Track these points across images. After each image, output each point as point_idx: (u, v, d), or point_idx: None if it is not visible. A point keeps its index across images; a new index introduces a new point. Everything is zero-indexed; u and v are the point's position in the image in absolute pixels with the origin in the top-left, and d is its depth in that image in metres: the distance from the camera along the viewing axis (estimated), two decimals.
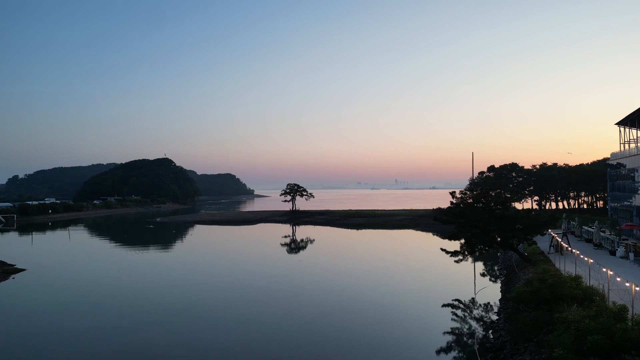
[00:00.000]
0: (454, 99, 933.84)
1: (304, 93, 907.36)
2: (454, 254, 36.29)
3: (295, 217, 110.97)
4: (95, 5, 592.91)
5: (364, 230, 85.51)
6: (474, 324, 26.97)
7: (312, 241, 66.87)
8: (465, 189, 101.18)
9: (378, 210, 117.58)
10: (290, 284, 37.13)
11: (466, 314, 29.36)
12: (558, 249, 35.72)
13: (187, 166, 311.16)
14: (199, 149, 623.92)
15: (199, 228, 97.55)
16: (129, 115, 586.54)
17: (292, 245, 60.66)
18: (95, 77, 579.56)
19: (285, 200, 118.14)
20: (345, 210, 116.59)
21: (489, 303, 30.86)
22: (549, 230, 36.83)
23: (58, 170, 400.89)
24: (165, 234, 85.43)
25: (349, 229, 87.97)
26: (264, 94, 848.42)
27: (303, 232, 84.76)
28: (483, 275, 42.65)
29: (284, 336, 24.47)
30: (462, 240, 47.75)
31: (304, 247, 58.87)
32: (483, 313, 29.22)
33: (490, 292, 34.09)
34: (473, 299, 32.90)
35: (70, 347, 23.11)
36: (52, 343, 23.75)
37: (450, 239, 36.40)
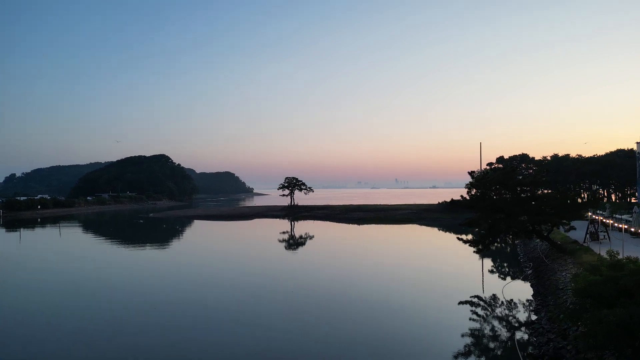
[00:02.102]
0: (454, 98, 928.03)
1: (303, 91, 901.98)
2: (473, 243, 31.29)
3: (294, 212, 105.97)
4: (92, 4, 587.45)
5: (366, 226, 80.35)
6: (498, 324, 22.02)
7: (311, 237, 61.53)
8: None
9: (380, 205, 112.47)
10: (289, 283, 31.96)
11: (488, 313, 24.37)
12: (595, 236, 30.58)
13: (186, 165, 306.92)
14: (198, 148, 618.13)
15: (190, 223, 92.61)
16: (128, 114, 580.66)
17: (291, 242, 55.36)
18: (94, 75, 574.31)
19: (283, 195, 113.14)
20: (346, 205, 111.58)
21: (513, 300, 25.86)
22: (590, 214, 31.59)
23: (55, 168, 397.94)
24: (153, 229, 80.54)
25: (350, 224, 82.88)
26: (264, 92, 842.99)
27: (302, 227, 79.76)
28: (501, 269, 37.64)
29: (286, 339, 20.02)
30: (470, 236, 42.77)
31: (302, 244, 53.62)
32: (509, 311, 24.24)
33: (517, 287, 29.10)
34: (494, 295, 27.89)
35: None
36: None
37: (469, 225, 31.44)
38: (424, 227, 76.96)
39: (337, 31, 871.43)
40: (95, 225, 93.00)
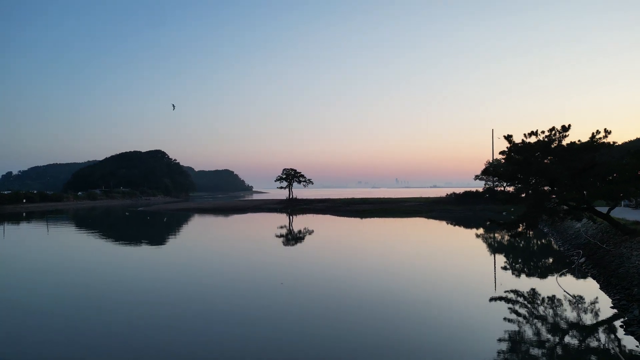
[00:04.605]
0: (454, 98, 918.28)
1: (304, 91, 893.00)
2: (509, 226, 25.00)
3: (292, 205, 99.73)
4: (91, 4, 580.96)
5: (370, 219, 73.63)
6: (545, 324, 16.02)
7: (311, 231, 54.32)
8: (482, 173, 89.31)
9: (385, 198, 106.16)
10: (288, 282, 24.67)
11: (531, 311, 18.07)
12: None
13: (185, 163, 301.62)
14: (197, 147, 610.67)
15: (179, 216, 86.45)
16: (126, 112, 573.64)
17: (289, 236, 48.24)
18: (92, 73, 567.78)
19: (281, 187, 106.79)
20: (347, 198, 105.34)
21: (559, 295, 19.70)
22: None
23: (52, 166, 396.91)
24: (137, 222, 74.43)
25: (353, 217, 76.38)
26: (264, 91, 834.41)
27: (301, 220, 73.31)
28: (532, 261, 31.18)
29: (288, 341, 14.85)
30: (480, 230, 36.23)
31: (301, 238, 46.22)
32: (558, 309, 17.92)
33: (566, 280, 22.84)
34: (534, 290, 21.70)
35: None
36: None
37: (506, 202, 25.11)
38: (432, 221, 70.11)
39: (339, 29, 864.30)
40: (81, 220, 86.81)
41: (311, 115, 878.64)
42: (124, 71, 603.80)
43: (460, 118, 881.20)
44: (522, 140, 25.06)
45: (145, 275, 26.53)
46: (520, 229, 24.05)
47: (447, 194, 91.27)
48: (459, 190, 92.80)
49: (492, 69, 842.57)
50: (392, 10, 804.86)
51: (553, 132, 24.57)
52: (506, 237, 43.23)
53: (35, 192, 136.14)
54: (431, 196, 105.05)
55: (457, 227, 57.54)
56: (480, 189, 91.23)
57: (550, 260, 30.67)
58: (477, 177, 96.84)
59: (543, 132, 25.20)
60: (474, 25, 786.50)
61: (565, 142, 24.74)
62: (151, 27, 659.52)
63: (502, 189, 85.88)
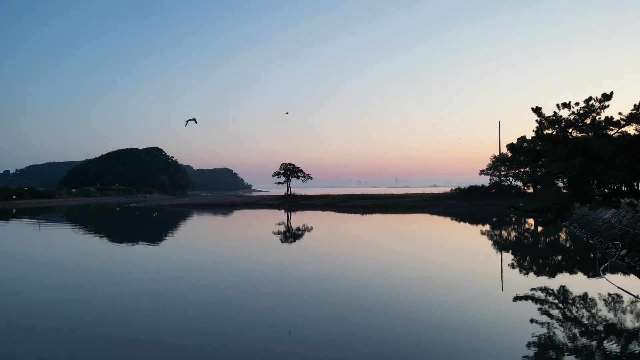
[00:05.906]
0: (454, 97, 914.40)
1: (302, 91, 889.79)
2: (540, 212, 21.51)
3: (290, 201, 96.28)
4: (92, 3, 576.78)
5: (371, 215, 69.78)
6: (578, 327, 13.02)
7: (310, 229, 50.06)
8: (488, 167, 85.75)
9: (386, 194, 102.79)
10: (288, 283, 20.59)
11: (566, 312, 14.82)
12: None
13: (183, 161, 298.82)
14: (196, 145, 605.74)
15: (171, 212, 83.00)
16: (125, 111, 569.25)
17: (287, 234, 44.03)
18: (91, 73, 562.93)
19: (279, 182, 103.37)
20: (347, 194, 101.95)
21: (591, 294, 16.62)
22: None
23: (50, 165, 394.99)
24: (126, 218, 71.05)
25: (353, 214, 72.62)
26: (264, 90, 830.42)
27: (300, 217, 69.70)
28: (563, 255, 27.74)
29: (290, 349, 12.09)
30: (488, 226, 32.53)
31: (300, 236, 41.85)
32: (600, 309, 14.73)
33: (611, 274, 19.54)
34: (564, 287, 18.42)
35: None
36: None
37: (537, 182, 21.72)
38: (438, 217, 66.26)
39: (339, 25, 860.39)
40: (71, 216, 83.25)
41: (311, 114, 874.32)
42: (123, 69, 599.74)
43: (461, 117, 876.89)
44: (554, 112, 21.55)
45: (126, 277, 23.17)
46: (554, 214, 20.60)
47: (452, 189, 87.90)
48: (463, 186, 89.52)
49: (493, 68, 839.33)
50: (392, 7, 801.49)
51: (590, 102, 21.09)
52: (513, 234, 40.00)
53: (26, 188, 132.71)
54: (435, 192, 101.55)
55: (465, 223, 53.94)
56: (486, 185, 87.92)
57: (579, 254, 27.24)
58: (482, 172, 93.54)
59: (577, 103, 21.70)
60: (474, 23, 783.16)
61: (604, 114, 21.27)
62: (149, 24, 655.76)
63: (510, 183, 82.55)
